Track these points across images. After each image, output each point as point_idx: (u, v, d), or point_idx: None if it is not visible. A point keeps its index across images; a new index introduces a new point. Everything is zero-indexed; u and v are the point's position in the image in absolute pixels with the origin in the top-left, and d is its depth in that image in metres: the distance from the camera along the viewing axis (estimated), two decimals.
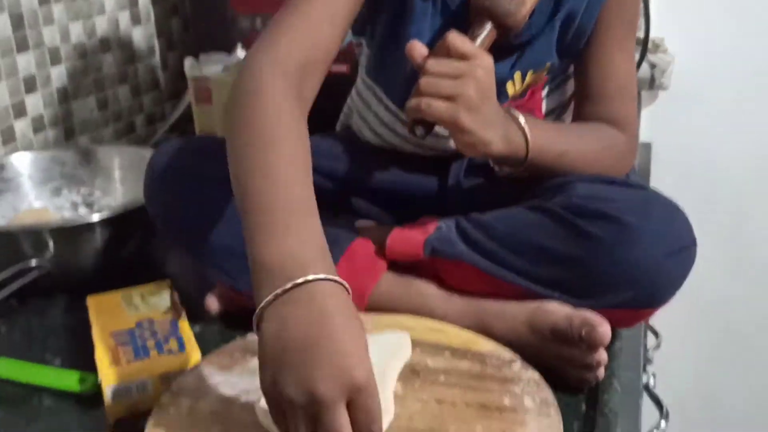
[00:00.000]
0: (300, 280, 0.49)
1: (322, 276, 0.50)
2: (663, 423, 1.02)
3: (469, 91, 0.66)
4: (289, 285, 0.49)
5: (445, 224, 0.76)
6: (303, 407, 0.46)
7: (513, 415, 0.59)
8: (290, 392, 0.46)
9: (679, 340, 1.40)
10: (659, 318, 1.15)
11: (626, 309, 0.69)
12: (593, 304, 0.69)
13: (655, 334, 1.19)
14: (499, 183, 0.82)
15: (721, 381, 1.56)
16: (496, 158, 0.76)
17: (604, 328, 0.64)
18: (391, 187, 0.88)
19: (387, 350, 0.66)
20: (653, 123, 1.37)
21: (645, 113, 1.35)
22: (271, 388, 0.48)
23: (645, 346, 1.12)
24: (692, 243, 0.69)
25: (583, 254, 0.68)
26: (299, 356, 0.47)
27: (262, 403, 0.52)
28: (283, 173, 0.57)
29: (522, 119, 0.73)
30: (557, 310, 0.68)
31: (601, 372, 0.67)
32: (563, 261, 0.69)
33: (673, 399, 1.04)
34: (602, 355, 0.66)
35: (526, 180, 0.78)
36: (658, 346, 1.19)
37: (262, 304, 0.50)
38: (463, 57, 0.67)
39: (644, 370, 1.05)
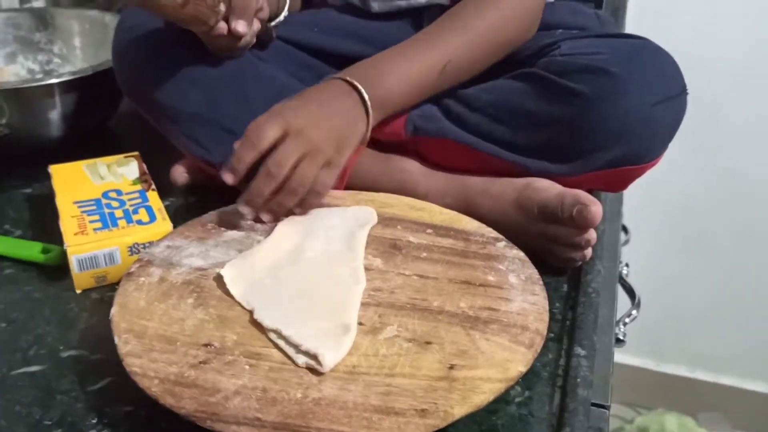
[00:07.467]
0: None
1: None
2: (635, 312, 1.03)
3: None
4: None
5: (427, 102, 0.72)
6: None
7: (498, 291, 0.57)
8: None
9: (646, 237, 1.41)
10: (628, 215, 1.15)
11: (617, 168, 0.66)
12: (582, 166, 0.66)
13: (625, 230, 1.19)
14: None
15: (684, 276, 1.60)
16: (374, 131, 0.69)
17: (596, 208, 0.62)
18: (361, 52, 0.81)
19: (352, 221, 0.65)
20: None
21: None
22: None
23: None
24: (682, 91, 0.65)
25: (568, 113, 0.64)
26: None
27: (225, 270, 0.58)
28: None
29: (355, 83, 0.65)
30: (548, 188, 0.65)
31: (588, 252, 0.65)
32: (549, 123, 0.66)
33: (640, 291, 1.05)
34: (592, 234, 0.64)
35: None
36: (627, 241, 1.20)
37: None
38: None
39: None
